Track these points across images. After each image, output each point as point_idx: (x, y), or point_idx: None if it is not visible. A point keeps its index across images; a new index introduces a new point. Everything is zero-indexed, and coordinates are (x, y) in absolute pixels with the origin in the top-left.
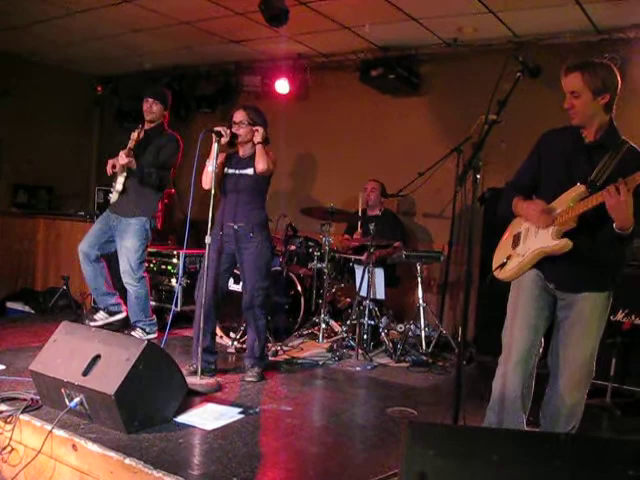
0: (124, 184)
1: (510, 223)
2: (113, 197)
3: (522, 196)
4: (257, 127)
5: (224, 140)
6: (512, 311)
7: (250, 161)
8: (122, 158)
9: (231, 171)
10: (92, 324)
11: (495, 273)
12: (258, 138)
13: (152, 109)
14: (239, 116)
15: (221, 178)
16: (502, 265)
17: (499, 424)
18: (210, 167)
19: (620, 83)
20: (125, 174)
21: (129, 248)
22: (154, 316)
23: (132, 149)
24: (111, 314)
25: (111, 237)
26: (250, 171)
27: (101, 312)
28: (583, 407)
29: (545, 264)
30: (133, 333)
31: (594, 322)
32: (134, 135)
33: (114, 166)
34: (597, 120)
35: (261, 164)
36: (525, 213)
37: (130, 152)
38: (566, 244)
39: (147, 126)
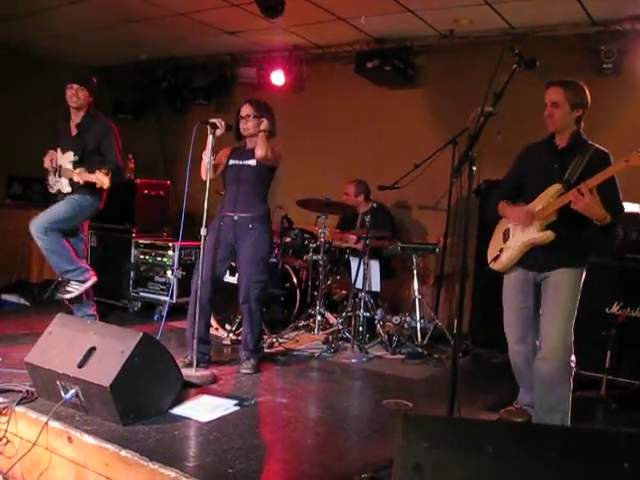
0: (71, 186)
1: (498, 222)
2: (54, 190)
3: (507, 201)
4: (262, 119)
5: (219, 132)
6: (505, 303)
7: (254, 152)
8: (77, 178)
9: (233, 162)
10: (67, 296)
11: (491, 265)
12: (262, 127)
13: (78, 95)
14: (245, 110)
15: (224, 170)
16: (496, 257)
17: (521, 380)
18: (207, 159)
19: (590, 102)
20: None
21: (54, 209)
22: (81, 262)
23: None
24: (81, 283)
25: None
26: (253, 162)
27: (72, 282)
28: (566, 386)
29: (526, 257)
30: (68, 288)
31: (566, 290)
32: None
33: (52, 160)
34: (569, 129)
35: (260, 150)
36: (510, 215)
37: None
38: (550, 235)
39: (76, 115)
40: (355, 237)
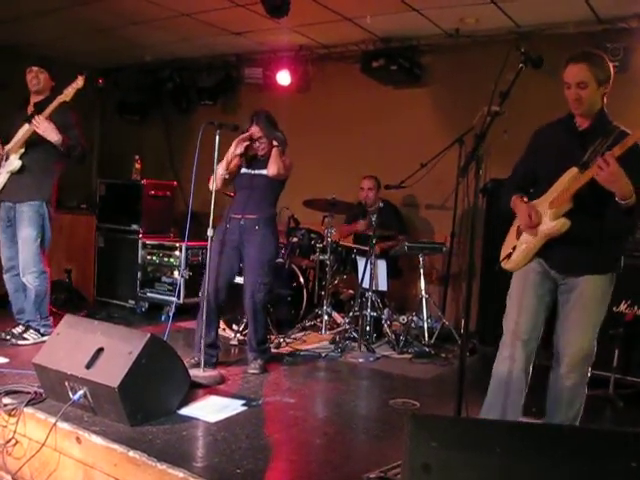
0: (22, 160)
1: (511, 217)
2: (0, 181)
3: (519, 193)
4: (274, 136)
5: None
6: (515, 298)
7: (267, 162)
8: (39, 124)
9: (246, 170)
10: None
11: (502, 264)
12: (276, 142)
13: (38, 77)
14: (257, 132)
15: (234, 177)
16: (509, 256)
17: (502, 404)
18: (220, 170)
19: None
20: (22, 151)
21: (25, 238)
22: (51, 317)
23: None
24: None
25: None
26: (266, 171)
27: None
28: (585, 391)
29: (547, 251)
30: (26, 335)
31: (594, 304)
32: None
33: None
34: (595, 108)
35: (272, 167)
36: (518, 213)
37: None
38: (564, 223)
39: (35, 99)
40: (364, 222)
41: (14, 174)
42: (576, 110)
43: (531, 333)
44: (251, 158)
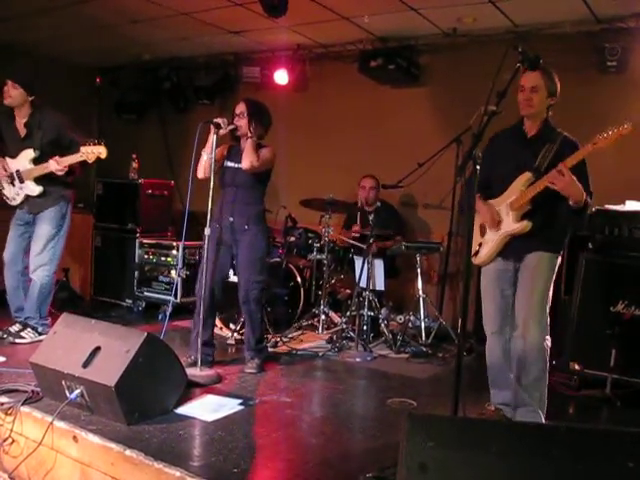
0: (41, 185)
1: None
2: (19, 200)
3: (482, 193)
4: (252, 122)
5: (222, 132)
6: (484, 295)
7: None
8: (56, 167)
9: (230, 164)
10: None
11: (472, 260)
12: (250, 132)
13: (10, 93)
14: (240, 108)
15: (220, 170)
16: (476, 253)
17: (498, 389)
18: (205, 156)
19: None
20: (37, 176)
21: (43, 236)
22: (49, 318)
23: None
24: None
25: (31, 236)
26: (242, 166)
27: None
28: (544, 355)
29: (503, 247)
30: (23, 334)
31: (540, 272)
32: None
33: (4, 167)
34: (540, 117)
35: (245, 161)
36: (480, 213)
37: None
38: (526, 225)
39: (20, 116)
40: (358, 229)
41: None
42: (525, 111)
43: (501, 326)
44: (235, 152)
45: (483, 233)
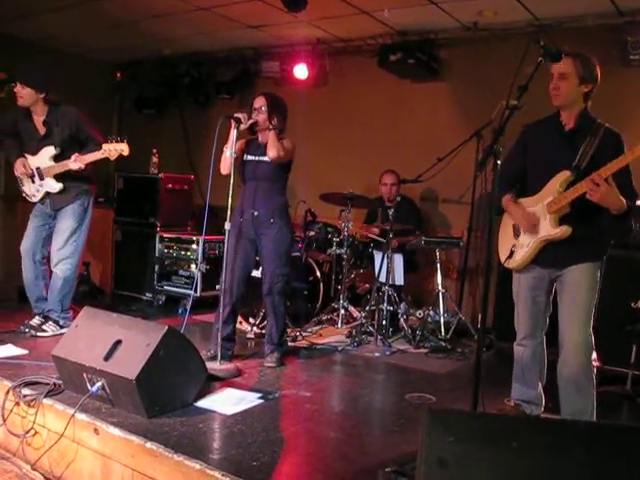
0: (61, 182)
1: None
2: (39, 196)
3: (510, 191)
4: (273, 115)
5: (243, 127)
6: (516, 301)
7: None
8: (76, 165)
9: (250, 157)
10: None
11: (505, 264)
12: (272, 125)
13: (20, 94)
14: (259, 102)
15: (241, 164)
16: (510, 255)
17: (519, 380)
18: (228, 152)
19: (599, 80)
20: (57, 173)
21: (65, 230)
22: (71, 311)
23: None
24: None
25: (51, 228)
26: (267, 158)
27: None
28: (591, 385)
29: (540, 253)
30: (45, 327)
31: (585, 289)
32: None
33: (24, 166)
34: (577, 107)
35: (272, 151)
36: (514, 217)
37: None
38: (566, 230)
39: (37, 114)
40: (377, 230)
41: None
42: (554, 101)
43: (533, 330)
44: (255, 147)
45: (517, 235)
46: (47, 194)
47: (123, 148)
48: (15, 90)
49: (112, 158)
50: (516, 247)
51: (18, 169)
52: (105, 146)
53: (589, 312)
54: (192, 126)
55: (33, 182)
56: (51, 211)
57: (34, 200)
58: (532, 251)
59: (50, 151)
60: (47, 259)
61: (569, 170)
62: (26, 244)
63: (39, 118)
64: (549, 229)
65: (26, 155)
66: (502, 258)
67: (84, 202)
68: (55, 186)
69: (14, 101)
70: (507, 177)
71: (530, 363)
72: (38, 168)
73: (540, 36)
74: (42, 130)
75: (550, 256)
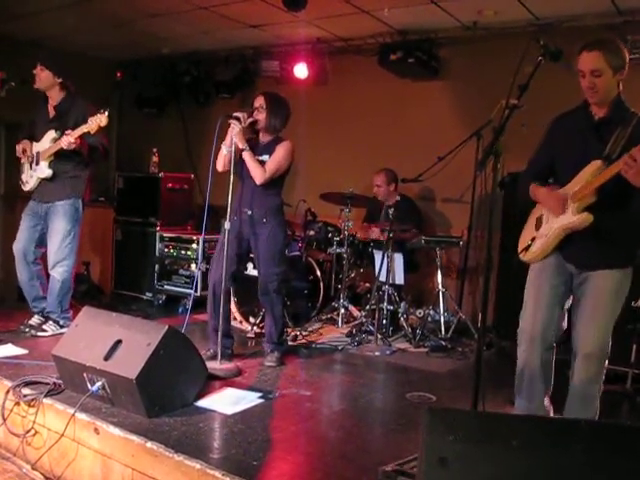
0: (52, 168)
1: (533, 208)
2: (31, 184)
3: (538, 182)
4: (272, 115)
5: (242, 126)
6: (531, 294)
7: (268, 147)
8: (66, 140)
9: None
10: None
11: (521, 256)
12: (241, 146)
13: (39, 76)
14: (258, 101)
15: (239, 163)
16: (527, 247)
17: (522, 393)
18: (224, 150)
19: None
20: (51, 159)
21: (59, 231)
22: (71, 311)
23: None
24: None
25: (43, 229)
26: (267, 157)
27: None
28: (599, 390)
29: (564, 244)
30: (45, 327)
31: (609, 300)
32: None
33: (25, 150)
34: (612, 96)
35: (256, 179)
36: (541, 201)
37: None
38: (586, 218)
39: (52, 99)
40: (378, 230)
41: (46, 180)
42: (591, 99)
43: (547, 329)
44: (253, 146)
45: (538, 227)
46: (39, 184)
47: (101, 119)
48: (34, 71)
49: (92, 131)
50: (535, 239)
51: (18, 151)
52: (90, 119)
53: (611, 322)
54: (192, 125)
55: (31, 168)
56: (42, 208)
57: (27, 188)
58: (552, 240)
59: (51, 134)
60: (41, 259)
61: (601, 160)
62: (18, 245)
63: (53, 103)
64: (570, 217)
65: (33, 142)
66: (519, 250)
67: (75, 202)
68: (46, 171)
69: (14, 101)
70: (535, 171)
71: (535, 375)
72: (38, 153)
73: (540, 35)
74: (51, 114)
75: (575, 252)
